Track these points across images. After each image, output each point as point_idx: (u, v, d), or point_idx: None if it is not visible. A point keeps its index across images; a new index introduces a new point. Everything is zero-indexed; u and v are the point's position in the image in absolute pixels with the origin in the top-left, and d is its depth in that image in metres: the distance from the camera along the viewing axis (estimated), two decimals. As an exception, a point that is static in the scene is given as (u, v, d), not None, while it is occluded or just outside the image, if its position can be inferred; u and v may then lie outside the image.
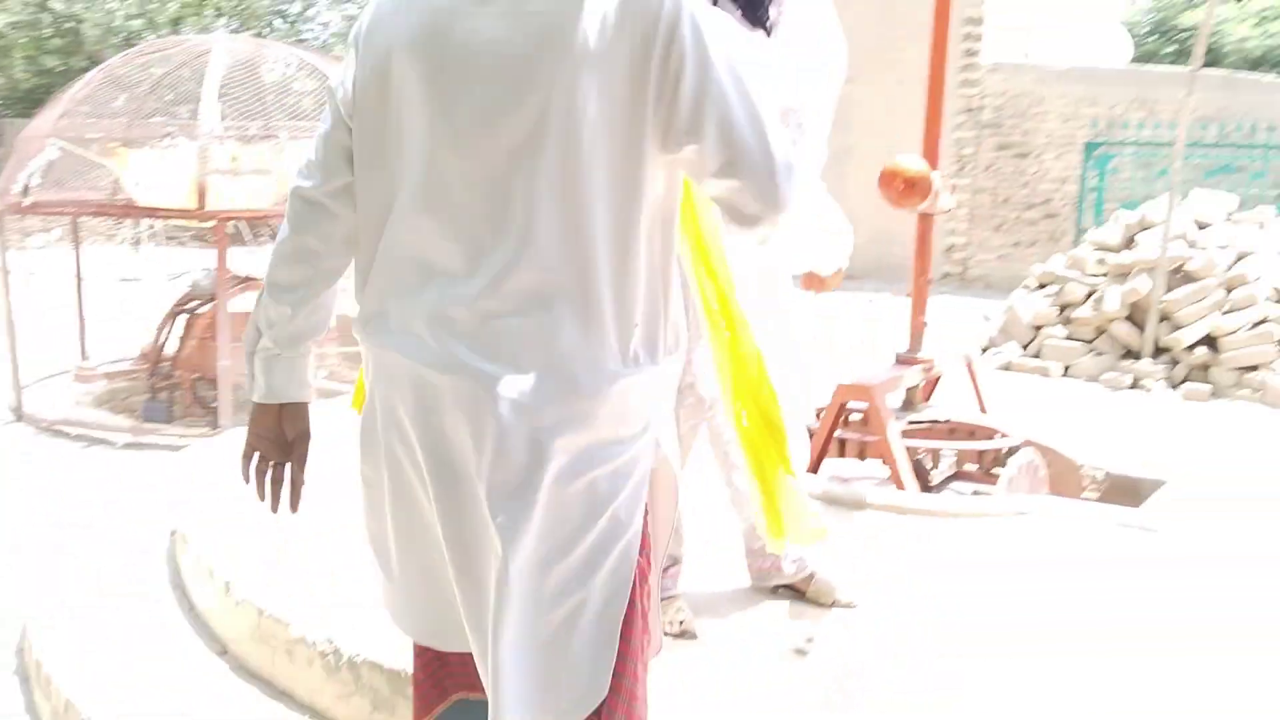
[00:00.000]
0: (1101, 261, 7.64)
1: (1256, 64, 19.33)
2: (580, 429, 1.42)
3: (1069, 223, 14.12)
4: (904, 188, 3.68)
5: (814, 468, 4.03)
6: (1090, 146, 12.91)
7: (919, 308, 4.57)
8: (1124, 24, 18.40)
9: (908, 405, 4.57)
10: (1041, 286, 8.15)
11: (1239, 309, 6.89)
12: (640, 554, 1.52)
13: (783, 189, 1.40)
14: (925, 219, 4.49)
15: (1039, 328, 7.72)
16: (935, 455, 4.50)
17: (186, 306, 6.48)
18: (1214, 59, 18.50)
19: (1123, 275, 7.36)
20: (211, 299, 6.14)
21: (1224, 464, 4.89)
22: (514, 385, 1.39)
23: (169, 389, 6.40)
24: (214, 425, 5.82)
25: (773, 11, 2.30)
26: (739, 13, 2.30)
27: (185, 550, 3.38)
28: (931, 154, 4.33)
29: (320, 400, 3.19)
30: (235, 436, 3.57)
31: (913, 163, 3.95)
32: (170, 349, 6.45)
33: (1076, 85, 14.24)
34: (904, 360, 4.47)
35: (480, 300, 1.41)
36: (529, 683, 1.43)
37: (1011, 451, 4.34)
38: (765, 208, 1.42)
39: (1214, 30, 18.98)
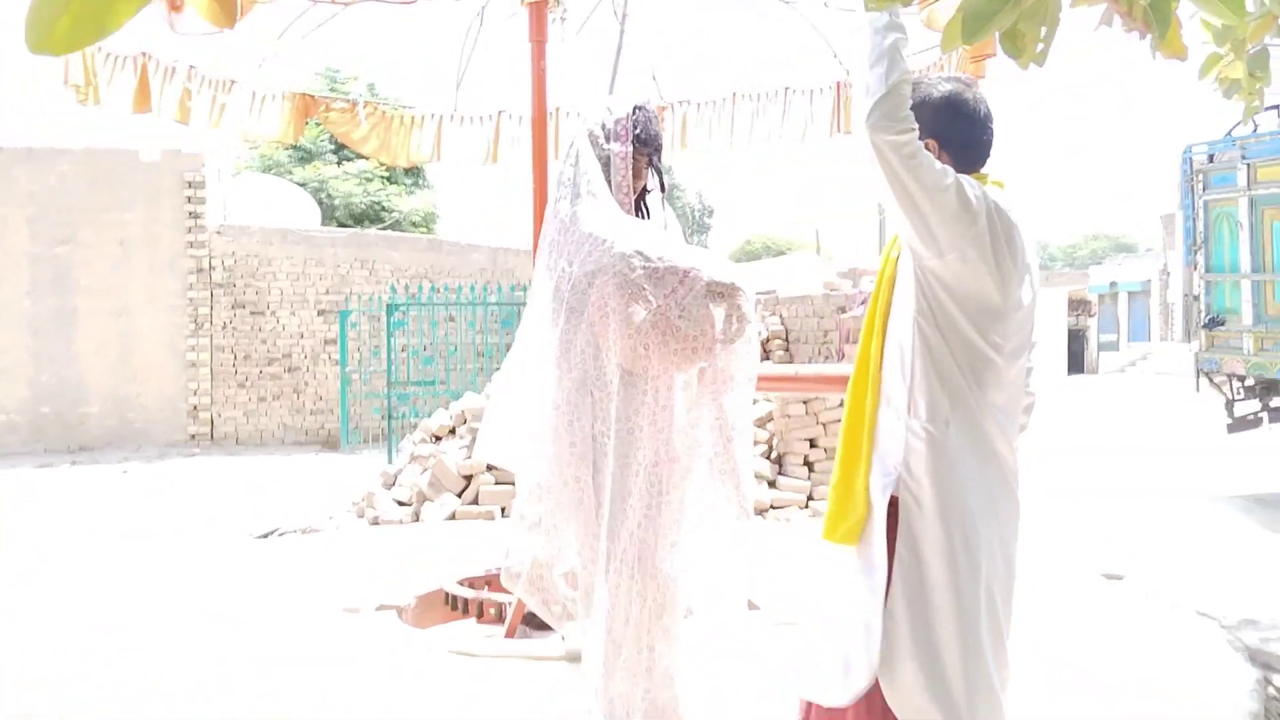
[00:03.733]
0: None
1: (361, 218, 21.26)
2: None
3: (310, 375, 15.60)
4: None
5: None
6: (391, 307, 13.36)
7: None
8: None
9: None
10: (438, 439, 8.53)
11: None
12: None
13: None
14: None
15: (469, 476, 7.72)
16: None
17: None
18: (327, 212, 20.43)
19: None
20: None
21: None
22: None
23: None
24: None
25: (654, 212, 3.24)
26: (633, 213, 3.12)
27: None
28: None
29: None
30: None
31: None
32: None
33: (299, 247, 15.61)
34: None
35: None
36: None
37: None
38: None
39: (321, 188, 20.88)
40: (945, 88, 2.51)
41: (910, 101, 2.28)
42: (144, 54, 5.48)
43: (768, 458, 8.60)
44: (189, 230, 14.95)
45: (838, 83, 6.02)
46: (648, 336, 2.91)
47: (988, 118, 2.52)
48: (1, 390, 14.51)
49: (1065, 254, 60.44)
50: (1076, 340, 33.45)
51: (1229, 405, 9.72)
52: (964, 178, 2.36)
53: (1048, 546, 6.54)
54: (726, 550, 3.01)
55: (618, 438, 2.94)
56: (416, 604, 4.94)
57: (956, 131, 2.46)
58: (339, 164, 21.67)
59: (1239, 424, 9.71)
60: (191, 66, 5.70)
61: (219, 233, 15.17)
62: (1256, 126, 9.89)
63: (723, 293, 2.98)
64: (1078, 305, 34.37)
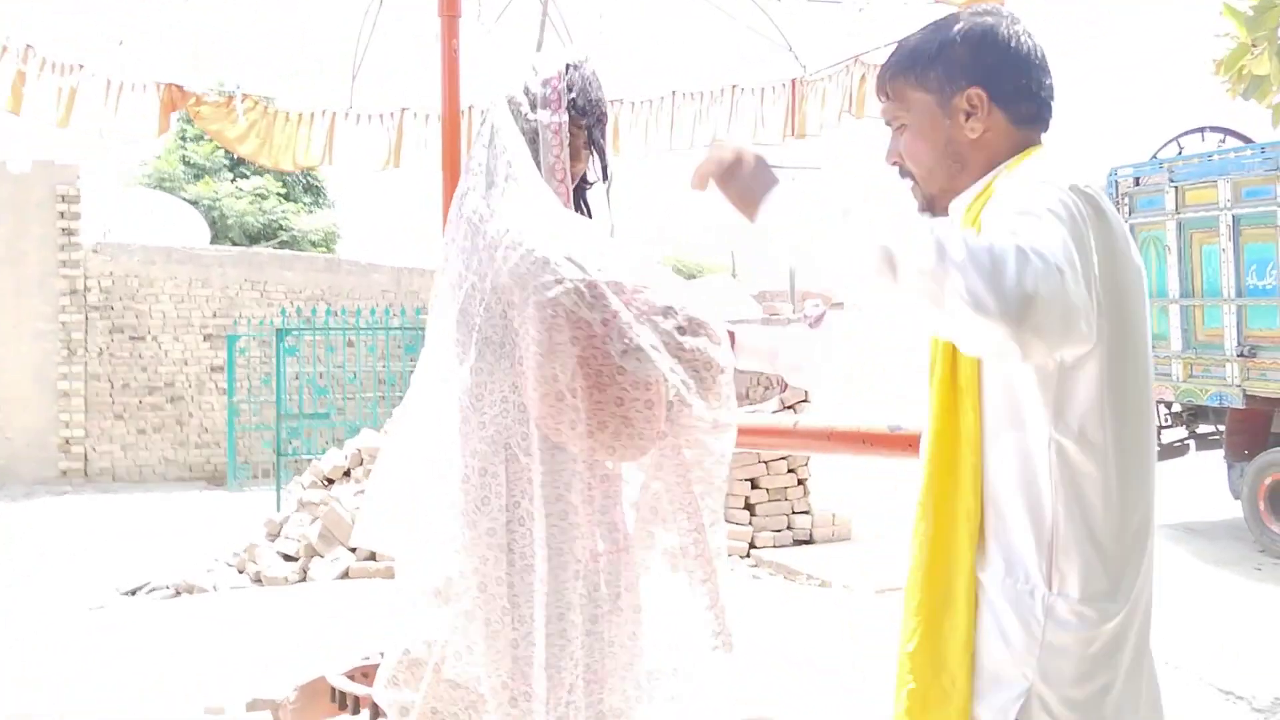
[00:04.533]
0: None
1: (257, 237, 19.84)
2: None
3: (195, 405, 14.69)
4: None
5: None
6: (282, 332, 12.05)
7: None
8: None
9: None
10: (330, 483, 7.87)
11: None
12: None
13: None
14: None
15: None
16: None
17: None
18: (220, 232, 19.14)
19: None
20: None
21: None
22: None
23: None
24: None
25: (593, 210, 2.48)
26: (582, 213, 2.43)
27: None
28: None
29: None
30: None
31: None
32: None
33: (184, 266, 14.70)
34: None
35: None
36: None
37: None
38: None
39: (215, 205, 19.53)
40: (985, 20, 1.65)
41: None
42: (-37, 27, 4.49)
43: (703, 501, 7.82)
44: (61, 248, 13.92)
45: (793, 80, 5.34)
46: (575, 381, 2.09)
47: (1045, 61, 1.66)
48: None
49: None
50: (984, 365, 34.02)
51: (1156, 432, 9.49)
52: (1057, 199, 1.42)
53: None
54: (696, 683, 2.20)
55: (549, 524, 2.11)
56: (297, 697, 4.03)
57: (1006, 75, 1.62)
58: (234, 180, 20.48)
59: (1166, 451, 9.47)
60: (29, 45, 4.75)
61: (95, 251, 14.16)
62: (1182, 149, 9.68)
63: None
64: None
